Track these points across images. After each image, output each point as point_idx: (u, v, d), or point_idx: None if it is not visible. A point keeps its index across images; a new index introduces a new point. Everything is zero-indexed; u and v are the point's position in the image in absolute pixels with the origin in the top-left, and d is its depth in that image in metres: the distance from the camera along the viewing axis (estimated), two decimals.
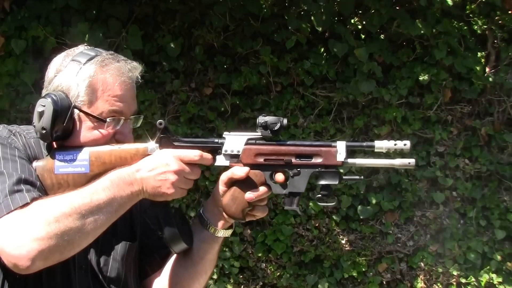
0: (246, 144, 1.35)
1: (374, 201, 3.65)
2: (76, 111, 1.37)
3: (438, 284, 3.63)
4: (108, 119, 1.37)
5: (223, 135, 1.39)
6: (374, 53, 3.62)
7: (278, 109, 3.72)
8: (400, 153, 1.24)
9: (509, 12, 3.62)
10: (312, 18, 3.60)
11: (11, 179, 1.29)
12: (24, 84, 3.93)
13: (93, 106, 1.37)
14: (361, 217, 3.68)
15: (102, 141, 1.39)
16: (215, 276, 3.80)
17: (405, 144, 1.21)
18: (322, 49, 3.71)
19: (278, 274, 3.75)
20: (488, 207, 3.62)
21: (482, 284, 3.56)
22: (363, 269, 3.70)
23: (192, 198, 3.83)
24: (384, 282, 3.71)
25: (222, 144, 1.38)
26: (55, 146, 1.43)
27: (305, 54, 3.71)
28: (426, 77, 3.58)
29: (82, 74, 1.37)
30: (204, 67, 3.83)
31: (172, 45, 3.75)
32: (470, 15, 3.64)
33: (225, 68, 3.82)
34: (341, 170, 1.25)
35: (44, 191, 1.36)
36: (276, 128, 1.30)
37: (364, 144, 1.27)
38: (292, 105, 3.71)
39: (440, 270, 3.63)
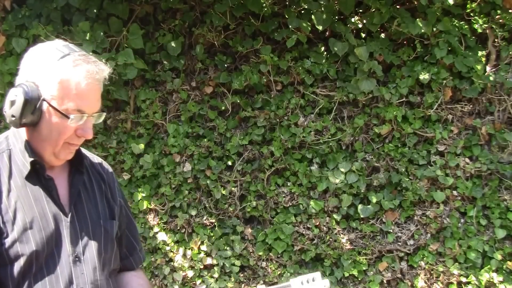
0: None
1: (374, 200, 3.65)
2: (44, 103, 1.46)
3: (439, 283, 3.63)
4: (71, 116, 1.46)
5: None
6: (375, 52, 3.62)
7: (279, 108, 3.73)
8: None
9: (510, 11, 3.62)
10: (313, 17, 3.60)
11: None
12: None
13: (60, 102, 1.46)
14: (362, 216, 3.68)
15: (65, 134, 1.49)
16: (216, 275, 3.81)
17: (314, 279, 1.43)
18: (323, 48, 3.72)
19: (278, 272, 3.76)
20: (489, 206, 3.62)
21: (483, 283, 3.56)
22: (364, 268, 3.70)
23: (193, 197, 3.83)
24: (385, 281, 3.71)
25: None
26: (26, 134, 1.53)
27: (306, 53, 3.72)
28: (426, 76, 3.58)
29: (54, 70, 1.46)
30: (205, 66, 3.84)
31: (172, 44, 3.75)
32: (471, 14, 3.64)
33: (225, 67, 3.82)
34: None
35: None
36: None
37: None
38: (292, 104, 3.71)
39: (441, 269, 3.63)
